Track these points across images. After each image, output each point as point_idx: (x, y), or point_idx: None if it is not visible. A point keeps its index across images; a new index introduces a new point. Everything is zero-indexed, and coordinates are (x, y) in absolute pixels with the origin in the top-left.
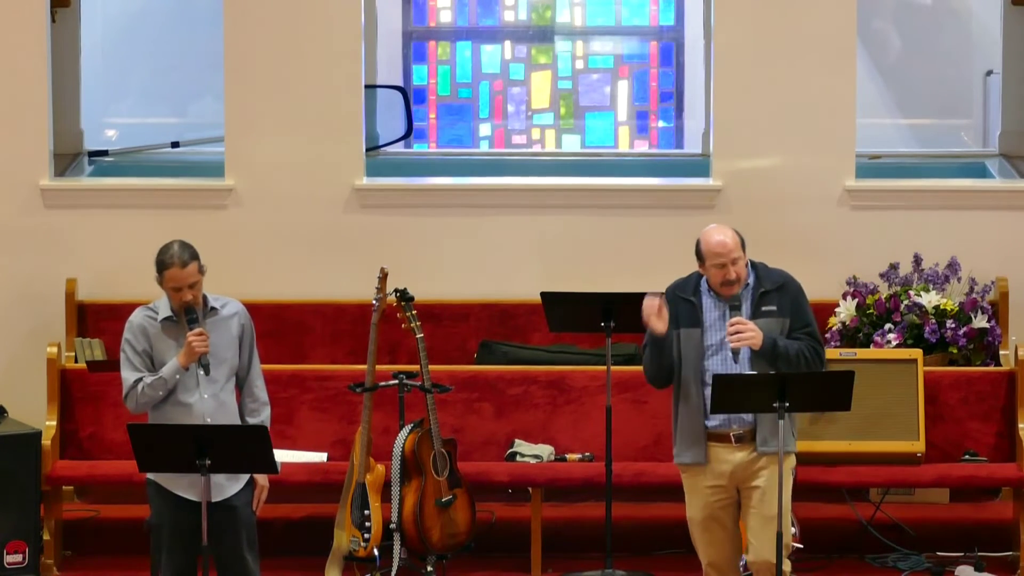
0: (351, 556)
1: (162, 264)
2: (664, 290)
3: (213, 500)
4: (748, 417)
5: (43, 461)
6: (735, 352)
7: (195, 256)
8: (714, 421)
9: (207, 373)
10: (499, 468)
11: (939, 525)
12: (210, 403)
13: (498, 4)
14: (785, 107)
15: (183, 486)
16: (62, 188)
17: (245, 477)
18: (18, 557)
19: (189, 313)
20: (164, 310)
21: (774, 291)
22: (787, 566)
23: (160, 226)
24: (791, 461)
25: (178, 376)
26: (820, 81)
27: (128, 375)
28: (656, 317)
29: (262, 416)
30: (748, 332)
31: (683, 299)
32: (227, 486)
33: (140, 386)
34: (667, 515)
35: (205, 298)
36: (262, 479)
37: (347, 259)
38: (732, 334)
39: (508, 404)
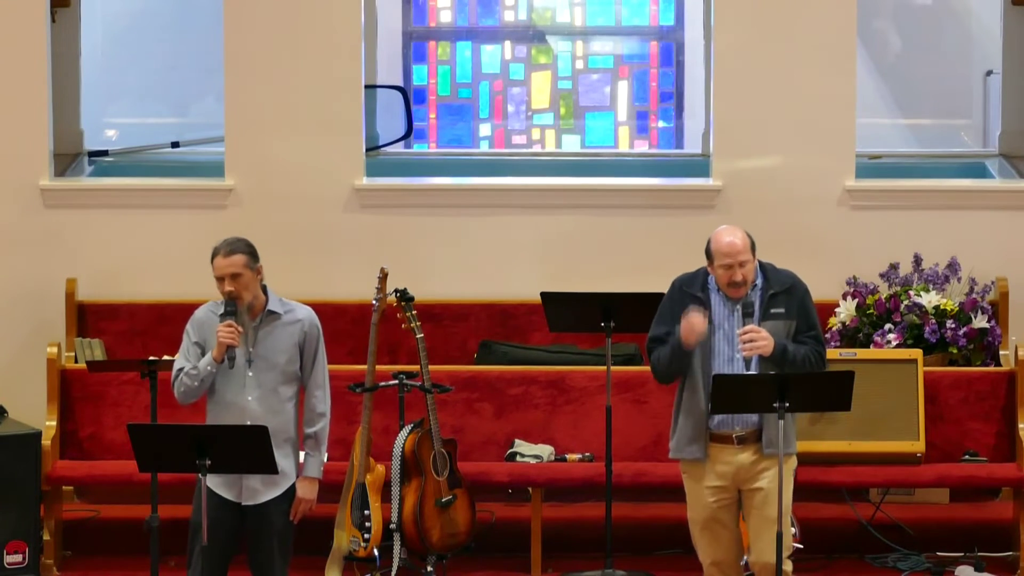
0: (351, 556)
1: (212, 252)
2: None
3: (246, 503)
4: (751, 418)
5: (43, 461)
6: (747, 360)
7: (245, 251)
8: (716, 420)
9: (231, 367)
10: (499, 468)
11: (939, 525)
12: (255, 406)
13: (498, 4)
14: (785, 107)
15: (216, 483)
16: (62, 188)
17: (284, 485)
18: (18, 557)
19: (228, 305)
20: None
21: (782, 293)
22: (788, 566)
23: (160, 226)
24: (792, 462)
25: (210, 368)
26: (820, 81)
27: (176, 363)
28: (695, 335)
29: (316, 427)
30: (761, 341)
31: (692, 295)
32: (262, 491)
33: (181, 375)
34: (667, 515)
35: (268, 300)
36: (304, 491)
37: (347, 259)
38: (746, 342)
39: (508, 404)
